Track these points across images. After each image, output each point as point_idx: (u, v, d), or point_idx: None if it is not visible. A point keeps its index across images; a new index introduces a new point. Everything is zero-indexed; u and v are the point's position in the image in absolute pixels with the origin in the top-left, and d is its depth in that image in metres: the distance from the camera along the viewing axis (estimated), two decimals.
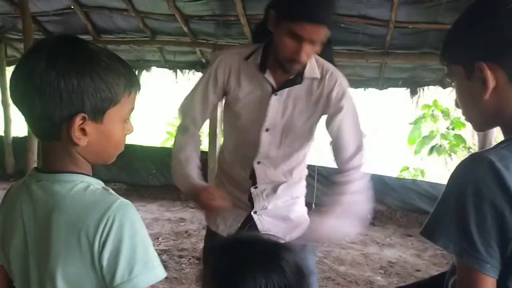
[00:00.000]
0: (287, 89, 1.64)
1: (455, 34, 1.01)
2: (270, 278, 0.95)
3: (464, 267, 0.88)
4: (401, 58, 4.99)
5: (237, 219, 1.77)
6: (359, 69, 5.42)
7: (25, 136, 5.39)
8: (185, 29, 5.21)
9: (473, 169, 0.89)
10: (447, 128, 6.06)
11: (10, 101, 6.25)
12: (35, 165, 4.16)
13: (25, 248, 0.95)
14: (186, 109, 1.78)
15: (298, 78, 1.64)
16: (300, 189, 1.84)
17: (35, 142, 4.05)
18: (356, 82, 5.56)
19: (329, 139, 1.74)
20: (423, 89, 5.50)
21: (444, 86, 5.43)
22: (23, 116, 0.93)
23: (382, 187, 5.35)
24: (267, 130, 1.67)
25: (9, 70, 6.56)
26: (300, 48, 1.48)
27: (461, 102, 1.04)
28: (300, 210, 1.84)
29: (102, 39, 5.68)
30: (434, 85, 5.48)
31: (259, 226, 1.74)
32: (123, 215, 0.89)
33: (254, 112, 1.68)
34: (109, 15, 5.32)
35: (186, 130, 1.77)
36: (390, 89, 5.60)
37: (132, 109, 0.99)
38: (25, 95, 0.89)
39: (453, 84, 1.03)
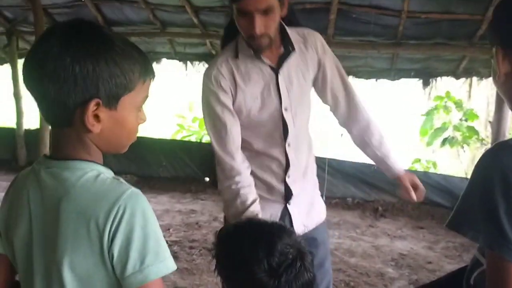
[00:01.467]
0: (286, 62, 1.69)
1: (492, 17, 1.03)
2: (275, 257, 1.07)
3: (494, 258, 0.86)
4: (413, 48, 4.93)
5: (273, 215, 1.74)
6: (370, 60, 5.36)
7: (37, 128, 5.43)
8: (195, 20, 5.18)
9: (498, 157, 0.87)
10: (460, 119, 5.98)
11: (22, 93, 6.30)
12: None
13: (30, 237, 0.94)
14: (224, 158, 1.68)
15: (288, 48, 1.68)
16: (315, 173, 1.94)
17: (47, 134, 4.08)
18: (368, 73, 5.52)
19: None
20: (435, 80, 5.43)
21: (457, 77, 5.36)
22: (36, 102, 0.92)
23: (393, 179, 5.31)
24: (285, 109, 1.71)
25: (20, 63, 6.60)
26: (252, 23, 1.53)
27: (493, 81, 1.05)
28: (318, 193, 1.95)
29: (115, 32, 5.66)
30: (447, 76, 5.41)
31: (295, 217, 1.78)
32: (134, 204, 0.88)
33: (267, 99, 1.69)
34: (119, 7, 5.31)
35: (231, 191, 1.68)
36: (402, 80, 5.54)
37: (146, 97, 0.98)
38: (38, 81, 0.88)
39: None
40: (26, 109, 6.41)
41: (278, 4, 1.56)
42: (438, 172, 5.70)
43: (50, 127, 0.97)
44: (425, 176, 5.33)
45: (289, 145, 1.74)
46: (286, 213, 1.78)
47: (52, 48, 0.86)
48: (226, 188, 1.68)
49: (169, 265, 0.90)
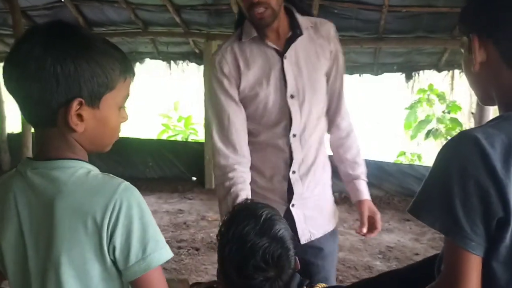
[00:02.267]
0: (292, 45, 1.61)
1: (465, 6, 1.02)
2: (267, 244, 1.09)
3: (449, 244, 0.88)
4: (395, 42, 4.98)
5: None
6: (353, 55, 5.39)
7: (20, 132, 5.36)
8: (177, 19, 5.16)
9: (458, 146, 0.88)
10: (443, 112, 6.07)
11: (3, 97, 6.21)
12: None
13: (21, 239, 0.93)
14: (221, 145, 1.63)
15: (296, 31, 1.61)
16: (328, 174, 1.80)
17: (29, 138, 4.03)
18: (351, 68, 5.55)
19: None
20: (418, 74, 5.50)
21: (439, 70, 5.43)
22: (19, 104, 0.92)
23: (380, 173, 5.36)
24: (292, 97, 1.62)
25: (0, 66, 6.50)
26: None
27: (464, 73, 1.04)
28: (331, 198, 1.82)
29: (94, 32, 5.62)
30: (429, 69, 5.48)
31: (299, 222, 1.66)
32: (130, 197, 0.90)
33: (272, 83, 1.61)
34: (100, 7, 5.26)
35: (224, 187, 1.62)
36: (385, 75, 5.59)
37: (127, 95, 0.98)
38: (21, 81, 0.88)
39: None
40: (8, 114, 6.33)
41: None
42: (423, 165, 5.78)
43: (32, 129, 0.96)
44: (410, 169, 5.39)
45: (294, 135, 1.63)
46: (289, 216, 1.63)
47: (33, 48, 0.86)
48: (219, 185, 1.63)
49: (168, 251, 0.93)
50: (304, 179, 1.67)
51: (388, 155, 5.99)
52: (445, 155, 0.90)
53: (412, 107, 6.21)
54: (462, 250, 0.85)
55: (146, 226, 0.90)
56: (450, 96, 6.01)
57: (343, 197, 5.39)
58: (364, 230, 1.70)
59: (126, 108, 1.00)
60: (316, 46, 1.64)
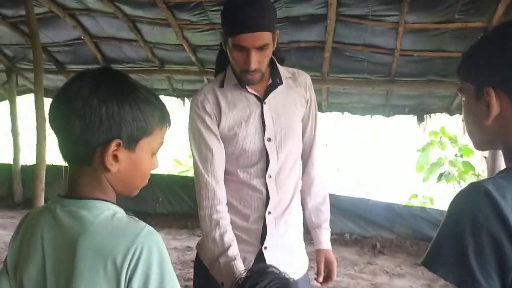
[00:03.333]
0: (272, 93, 1.68)
1: (473, 53, 1.00)
2: None
3: None
4: (407, 85, 5.02)
5: (247, 260, 1.68)
6: (365, 97, 5.44)
7: (34, 164, 5.42)
8: (193, 58, 5.29)
9: (470, 198, 0.88)
10: (455, 155, 6.02)
11: (19, 129, 6.33)
12: (43, 193, 4.17)
13: (43, 275, 0.95)
14: (208, 181, 1.63)
15: (277, 80, 1.69)
16: (301, 219, 1.82)
17: (43, 170, 4.07)
18: (363, 109, 5.59)
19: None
20: (430, 116, 5.50)
21: (451, 113, 5.44)
22: (59, 140, 0.96)
23: (391, 215, 5.29)
24: (269, 140, 1.67)
25: (19, 100, 6.66)
26: (248, 58, 1.53)
27: (465, 119, 1.04)
28: (302, 243, 1.83)
29: (138, 82, 5.76)
30: (441, 112, 5.49)
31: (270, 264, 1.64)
32: (152, 243, 0.91)
33: (251, 126, 1.66)
34: (119, 45, 5.42)
35: (211, 219, 1.62)
36: (397, 116, 5.61)
37: (162, 143, 1.02)
38: (65, 118, 0.93)
39: (463, 99, 1.03)
40: (23, 146, 6.43)
41: (272, 40, 1.57)
42: (436, 208, 5.69)
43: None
44: (422, 211, 5.32)
45: (269, 176, 1.67)
46: (261, 259, 1.66)
47: (82, 89, 0.92)
48: (206, 216, 1.61)
49: None
50: (279, 221, 1.69)
51: (399, 198, 5.92)
52: (457, 206, 0.90)
53: (424, 149, 6.18)
54: None
55: (164, 273, 0.91)
56: (462, 140, 5.98)
57: (354, 239, 5.32)
58: (320, 279, 1.80)
59: (158, 156, 1.04)
60: (293, 94, 1.73)
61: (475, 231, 0.84)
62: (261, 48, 1.54)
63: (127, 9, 4.62)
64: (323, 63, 4.86)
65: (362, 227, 5.39)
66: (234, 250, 1.57)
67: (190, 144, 1.69)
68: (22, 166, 6.39)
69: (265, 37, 1.53)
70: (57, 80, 6.16)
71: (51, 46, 5.58)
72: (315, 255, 1.83)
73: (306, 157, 1.82)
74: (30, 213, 1.05)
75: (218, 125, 1.65)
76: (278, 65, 1.72)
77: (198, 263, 1.75)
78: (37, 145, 4.05)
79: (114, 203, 0.98)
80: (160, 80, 6.01)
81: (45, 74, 4.88)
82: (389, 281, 4.26)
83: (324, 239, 1.83)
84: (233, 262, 1.53)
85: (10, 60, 6.16)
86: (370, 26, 4.26)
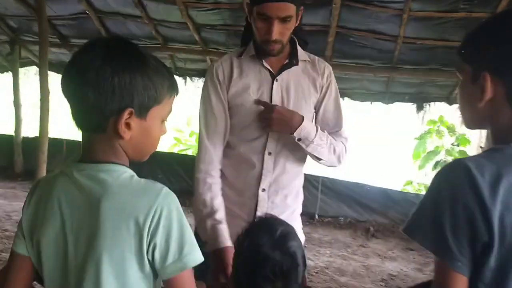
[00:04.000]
0: (285, 71, 1.70)
1: (475, 38, 1.05)
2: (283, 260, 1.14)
3: (438, 264, 0.94)
4: (408, 73, 5.06)
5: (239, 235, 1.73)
6: (366, 83, 5.48)
7: (36, 137, 5.47)
8: (197, 37, 5.30)
9: (451, 173, 0.95)
10: (452, 144, 6.09)
11: (21, 101, 6.36)
12: (45, 165, 4.23)
13: (62, 235, 1.00)
14: (207, 144, 1.70)
15: (293, 60, 1.71)
16: (299, 204, 1.83)
17: (46, 143, 4.13)
18: (363, 95, 5.63)
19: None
20: (429, 105, 5.56)
21: (450, 102, 5.49)
22: (72, 109, 1.00)
23: (386, 201, 5.39)
24: None
25: (21, 72, 6.67)
26: (271, 27, 1.57)
27: (460, 97, 1.10)
28: (298, 226, 1.81)
29: (148, 51, 5.78)
30: (441, 101, 5.53)
31: None
32: (171, 202, 0.97)
33: (260, 97, 1.69)
34: (123, 21, 5.42)
35: (205, 183, 1.68)
36: (397, 104, 5.65)
37: (170, 111, 1.07)
38: (79, 87, 0.96)
39: (460, 78, 1.08)
40: (25, 118, 6.48)
41: (295, 14, 1.60)
42: None
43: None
44: (416, 198, 5.41)
45: (269, 153, 1.69)
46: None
47: (95, 59, 0.95)
48: (201, 179, 1.67)
49: (201, 255, 0.99)
50: (273, 200, 1.72)
51: (395, 184, 6.01)
52: (439, 180, 0.97)
53: (421, 137, 6.25)
54: (450, 269, 0.92)
55: (184, 230, 0.97)
56: (460, 129, 6.04)
57: (348, 222, 5.43)
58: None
59: (167, 123, 1.08)
60: (308, 78, 1.74)
61: (452, 203, 0.92)
62: (284, 20, 1.57)
63: None
64: (326, 47, 4.88)
65: (357, 211, 5.49)
66: (221, 214, 1.63)
67: (199, 106, 1.73)
68: (23, 138, 6.44)
69: (289, 8, 1.56)
70: (60, 54, 6.17)
71: (55, 19, 5.57)
72: None
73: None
74: (41, 180, 1.09)
75: (228, 92, 1.69)
76: (299, 47, 1.73)
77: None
78: (40, 117, 4.11)
79: (128, 167, 1.03)
80: (162, 58, 5.99)
81: (48, 48, 4.89)
82: (381, 263, 4.37)
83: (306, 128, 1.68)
84: (219, 226, 1.60)
85: (14, 31, 6.15)
86: (374, 12, 4.28)
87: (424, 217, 0.97)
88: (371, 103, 5.61)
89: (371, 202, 5.43)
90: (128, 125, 0.98)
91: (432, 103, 5.52)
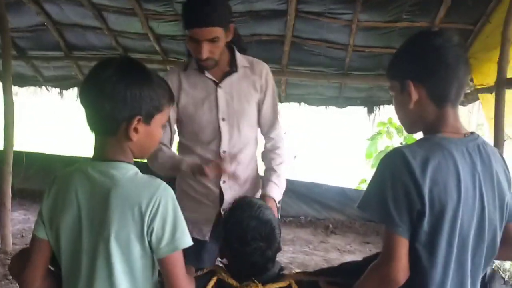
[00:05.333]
0: (227, 78, 1.96)
1: (396, 58, 1.36)
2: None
3: (385, 231, 1.21)
4: (359, 79, 5.38)
5: (208, 220, 1.99)
6: (320, 88, 5.77)
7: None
8: (157, 47, 5.42)
9: (391, 158, 1.23)
10: (401, 143, 6.50)
11: None
12: (10, 176, 4.23)
13: (78, 221, 1.20)
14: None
15: (233, 67, 1.97)
16: (258, 187, 2.10)
17: (11, 155, 4.15)
18: (318, 100, 5.92)
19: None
20: (379, 108, 5.90)
21: None
22: (88, 116, 1.20)
23: (342, 198, 5.71)
24: (223, 119, 1.95)
25: None
26: (200, 48, 1.80)
27: (396, 109, 1.38)
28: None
29: (73, 55, 5.81)
30: (389, 104, 5.88)
31: None
32: (167, 195, 1.19)
33: (206, 106, 1.94)
34: (82, 32, 5.45)
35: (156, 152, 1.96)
36: (349, 108, 5.98)
37: (167, 118, 1.31)
38: (96, 99, 1.17)
39: (392, 94, 1.36)
40: None
41: (223, 33, 1.83)
42: None
43: (94, 135, 1.25)
44: None
45: (224, 152, 1.96)
46: (220, 218, 1.89)
47: (111, 76, 1.16)
48: (153, 156, 1.92)
49: (190, 240, 1.21)
50: (234, 191, 1.99)
51: (350, 182, 6.35)
52: (382, 164, 1.25)
53: (373, 138, 6.63)
54: (393, 234, 1.18)
55: (177, 218, 1.19)
56: None
57: (308, 221, 5.70)
58: None
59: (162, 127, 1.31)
60: (249, 81, 2.00)
61: (392, 181, 1.19)
62: (212, 41, 1.79)
63: None
64: (283, 56, 5.13)
65: (316, 210, 5.77)
66: (178, 156, 1.94)
67: None
68: None
69: (216, 31, 1.79)
70: (18, 66, 6.11)
71: (13, 31, 5.48)
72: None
73: (267, 135, 2.09)
74: (58, 176, 1.28)
75: (178, 103, 1.93)
76: (237, 54, 1.98)
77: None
78: (4, 130, 4.13)
79: (133, 164, 1.24)
80: None
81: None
82: (340, 257, 4.67)
83: (268, 188, 2.00)
84: (180, 159, 1.92)
85: None
86: (326, 23, 4.57)
87: (371, 194, 1.24)
88: (326, 108, 5.91)
89: (329, 200, 5.73)
90: (136, 130, 1.20)
91: (381, 106, 5.87)
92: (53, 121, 12.43)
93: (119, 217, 1.16)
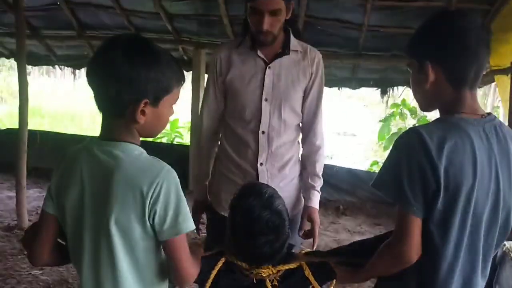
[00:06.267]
0: (278, 60, 1.95)
1: (416, 36, 1.33)
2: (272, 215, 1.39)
3: (399, 211, 1.21)
4: (372, 59, 5.32)
5: None
6: (333, 69, 5.72)
7: (7, 129, 5.48)
8: (169, 27, 5.40)
9: (407, 138, 1.22)
10: (414, 125, 6.45)
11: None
12: (25, 155, 4.29)
13: (81, 199, 1.19)
14: (203, 118, 2.09)
15: (286, 50, 1.95)
16: (297, 170, 2.08)
17: (25, 133, 4.19)
18: (331, 81, 5.87)
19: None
20: (392, 89, 5.85)
21: None
22: (96, 96, 1.18)
23: (353, 180, 5.70)
24: (266, 100, 1.94)
25: None
26: (262, 20, 1.81)
27: (412, 87, 1.37)
28: (296, 191, 2.07)
29: (86, 35, 5.80)
30: (403, 85, 5.84)
31: None
32: (171, 178, 1.17)
33: (252, 84, 1.94)
34: (95, 11, 5.44)
35: (202, 146, 2.13)
36: (362, 89, 5.94)
37: (178, 97, 1.26)
38: (102, 81, 1.15)
39: (410, 72, 1.35)
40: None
41: (285, 7, 1.84)
42: None
43: (102, 115, 1.23)
44: None
45: (263, 132, 1.94)
46: None
47: (116, 56, 1.13)
48: (201, 148, 2.12)
49: (193, 224, 1.20)
50: (271, 171, 1.97)
51: (362, 164, 6.34)
52: (398, 143, 1.23)
53: (386, 120, 6.59)
54: (407, 213, 1.18)
55: (180, 202, 1.17)
56: (421, 111, 6.41)
57: (319, 202, 5.70)
58: (300, 233, 2.05)
59: (174, 106, 1.28)
60: (299, 67, 1.98)
61: (408, 161, 1.18)
62: (274, 13, 1.81)
63: None
64: None
65: (327, 191, 5.77)
66: (205, 170, 2.14)
67: (205, 86, 2.07)
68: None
69: (278, 3, 1.80)
70: (31, 45, 6.14)
71: (26, 10, 5.51)
72: (303, 212, 2.05)
73: (307, 128, 2.05)
74: (67, 153, 1.28)
75: (226, 75, 1.96)
76: (292, 37, 1.97)
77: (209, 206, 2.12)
78: (19, 108, 4.17)
79: (139, 145, 1.22)
80: None
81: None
82: (350, 237, 4.68)
83: (315, 199, 2.05)
84: (202, 179, 2.11)
85: None
86: (340, 2, 4.51)
87: (386, 173, 1.23)
88: (339, 89, 5.88)
89: (340, 182, 5.72)
90: (143, 112, 1.17)
91: (395, 88, 5.82)
92: (67, 101, 12.53)
93: (121, 198, 1.15)
